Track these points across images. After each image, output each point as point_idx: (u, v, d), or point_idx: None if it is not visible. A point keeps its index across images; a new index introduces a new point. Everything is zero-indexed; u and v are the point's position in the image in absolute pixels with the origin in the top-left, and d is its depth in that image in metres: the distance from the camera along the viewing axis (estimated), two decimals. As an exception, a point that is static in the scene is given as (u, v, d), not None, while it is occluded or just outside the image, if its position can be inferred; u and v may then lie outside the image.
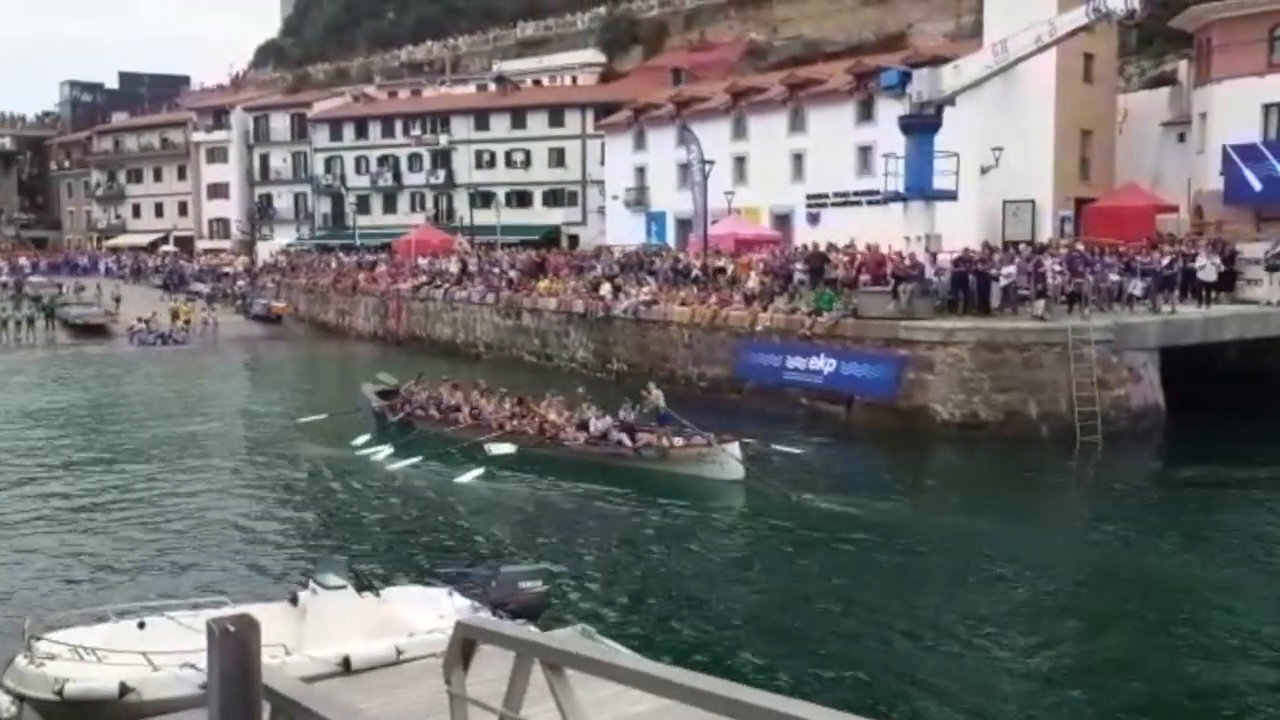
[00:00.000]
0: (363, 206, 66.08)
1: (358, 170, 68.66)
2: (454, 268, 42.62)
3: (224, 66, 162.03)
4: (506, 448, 19.79)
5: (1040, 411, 21.84)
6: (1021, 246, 27.90)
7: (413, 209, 66.46)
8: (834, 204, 42.31)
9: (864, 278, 26.07)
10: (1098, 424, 21.21)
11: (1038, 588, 13.42)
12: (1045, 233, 34.75)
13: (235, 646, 5.11)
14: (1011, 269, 24.59)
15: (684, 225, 44.90)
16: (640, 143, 52.02)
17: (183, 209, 78.56)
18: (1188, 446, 21.04)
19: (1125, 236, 29.00)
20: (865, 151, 40.44)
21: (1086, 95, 37.19)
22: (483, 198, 59.48)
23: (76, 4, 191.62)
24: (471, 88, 72.99)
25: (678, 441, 19.23)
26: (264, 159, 74.31)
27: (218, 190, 76.66)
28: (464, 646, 5.72)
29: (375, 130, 68.77)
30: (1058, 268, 24.44)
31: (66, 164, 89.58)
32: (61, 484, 19.40)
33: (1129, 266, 25.65)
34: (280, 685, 5.42)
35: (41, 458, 21.97)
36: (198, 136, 77.31)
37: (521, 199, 62.06)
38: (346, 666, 8.23)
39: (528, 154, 62.81)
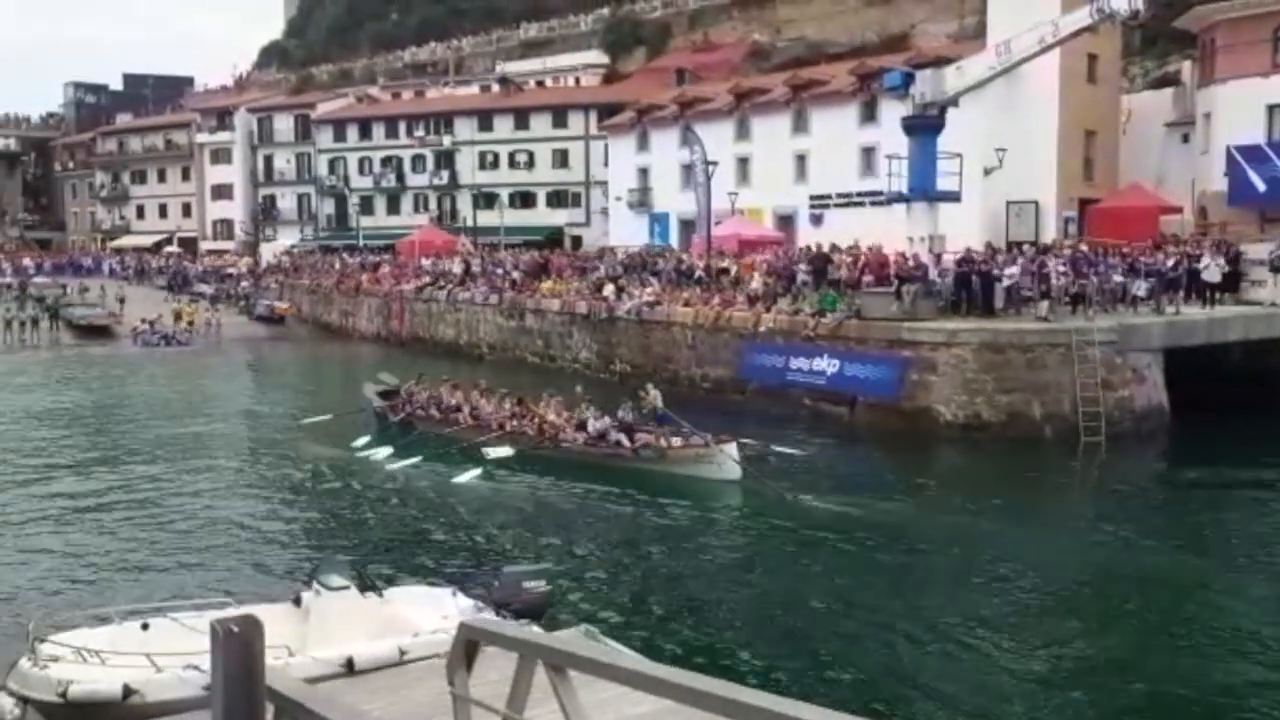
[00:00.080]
0: (366, 207, 66.16)
1: (361, 171, 68.76)
2: (457, 269, 42.64)
3: (225, 67, 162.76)
4: (505, 450, 19.81)
5: (1044, 413, 21.82)
6: (1025, 247, 27.88)
7: (416, 210, 66.53)
8: (837, 205, 42.31)
9: (867, 279, 26.07)
10: (1101, 425, 21.18)
11: (1041, 588, 13.39)
12: (1049, 233, 34.74)
13: (239, 647, 5.11)
14: (1015, 270, 24.58)
15: (687, 226, 44.88)
16: (643, 144, 52.04)
17: (187, 210, 78.68)
18: (1192, 448, 21.02)
19: (1129, 237, 28.96)
20: (868, 152, 40.43)
21: (1090, 96, 37.16)
22: (486, 199, 59.47)
23: (76, 4, 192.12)
24: (475, 89, 73.06)
25: (676, 442, 19.27)
26: (268, 160, 74.42)
27: (221, 191, 76.77)
28: (467, 648, 5.73)
29: (379, 131, 68.86)
30: (1061, 268, 24.41)
31: (71, 165, 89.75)
32: (65, 485, 19.42)
33: (1133, 267, 25.62)
34: (283, 686, 5.43)
35: (45, 458, 21.99)
36: (202, 138, 77.43)
37: (525, 200, 62.10)
38: (350, 667, 8.23)
39: (531, 155, 62.87)
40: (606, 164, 55.84)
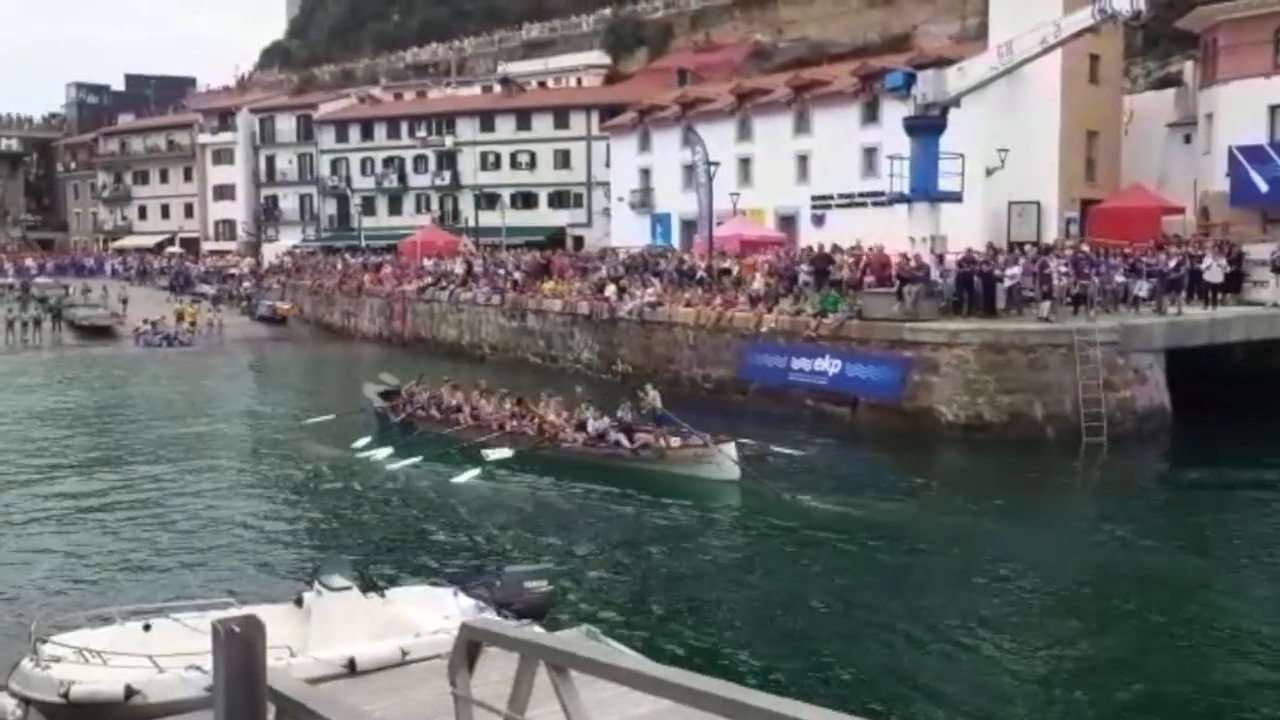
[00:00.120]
0: (368, 208, 66.23)
1: (363, 171, 68.81)
2: (459, 269, 42.66)
3: (226, 67, 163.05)
4: (504, 452, 19.82)
5: (1045, 413, 21.82)
6: (1027, 248, 27.88)
7: (418, 210, 66.58)
8: (839, 205, 42.31)
9: (869, 279, 26.06)
10: (1103, 426, 21.18)
11: (1042, 589, 13.38)
12: (1050, 234, 34.73)
13: (240, 648, 5.12)
14: (1016, 270, 24.58)
15: (689, 227, 44.87)
16: (645, 144, 52.04)
17: (189, 210, 78.74)
18: (1193, 448, 21.01)
19: (1131, 238, 28.97)
20: (870, 153, 40.42)
21: (1092, 96, 37.14)
22: (488, 199, 59.50)
23: (75, 5, 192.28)
24: (477, 89, 73.06)
25: (674, 442, 19.34)
26: (270, 160, 74.48)
27: (223, 192, 76.82)
28: (469, 648, 5.74)
29: (381, 132, 68.90)
30: (1063, 269, 24.41)
31: (73, 165, 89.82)
32: (67, 485, 19.44)
33: (1134, 268, 25.62)
34: (285, 687, 5.44)
35: (47, 458, 22.01)
36: (204, 138, 77.50)
37: (527, 200, 62.11)
38: (352, 668, 8.23)
39: (533, 155, 62.90)
40: (608, 164, 55.86)
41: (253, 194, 75.35)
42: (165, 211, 79.96)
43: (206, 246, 75.31)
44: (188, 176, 78.85)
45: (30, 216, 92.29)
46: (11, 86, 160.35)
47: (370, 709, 6.97)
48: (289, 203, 73.61)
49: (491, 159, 64.02)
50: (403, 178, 67.23)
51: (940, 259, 25.50)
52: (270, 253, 66.13)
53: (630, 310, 30.64)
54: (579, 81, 70.46)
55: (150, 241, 76.60)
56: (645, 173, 51.84)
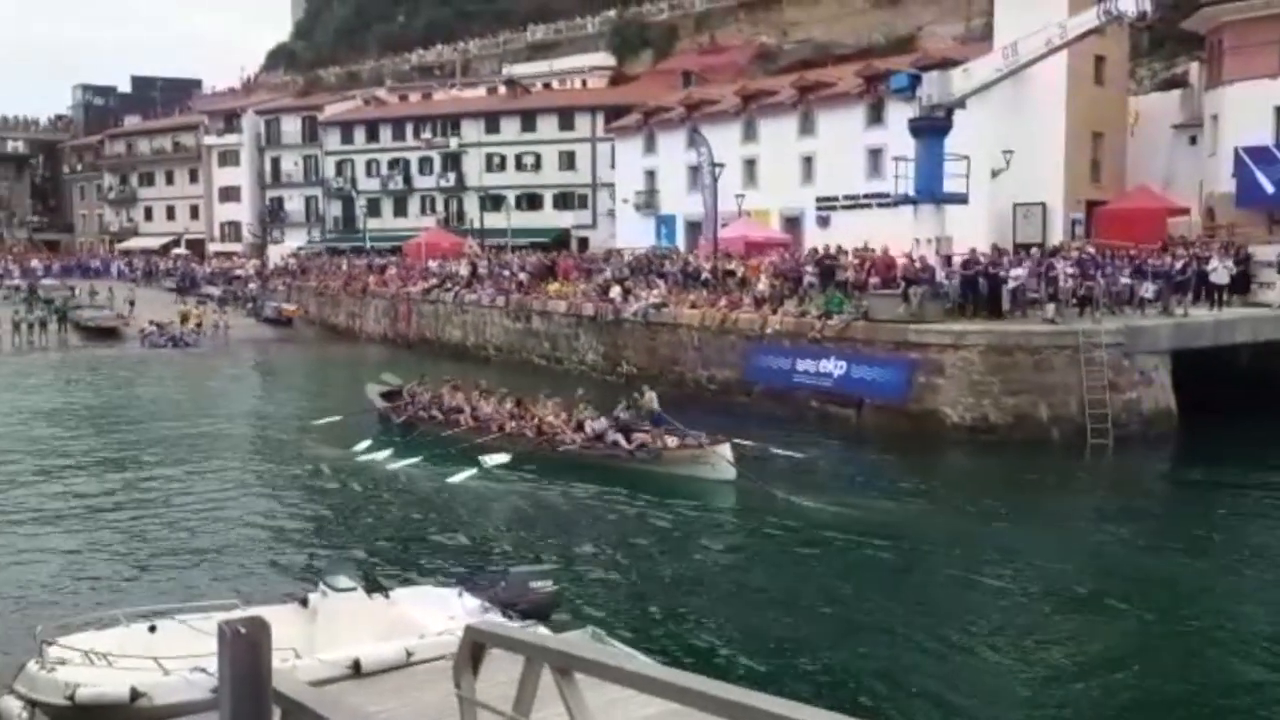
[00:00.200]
0: (373, 209, 66.29)
1: (368, 173, 68.91)
2: (464, 270, 42.69)
3: (226, 67, 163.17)
4: (502, 457, 19.82)
5: (1051, 415, 21.79)
6: (1032, 249, 27.84)
7: (423, 212, 66.65)
8: (844, 207, 42.25)
9: (874, 280, 26.02)
10: (1109, 427, 21.16)
11: (1046, 591, 13.35)
12: (1056, 235, 34.65)
13: (246, 649, 5.13)
14: (1021, 271, 24.55)
15: (694, 228, 44.89)
16: (650, 146, 52.02)
17: (194, 212, 78.84)
18: (1199, 450, 20.97)
19: (1136, 239, 28.91)
20: (875, 154, 40.36)
21: (1097, 97, 37.08)
22: (493, 201, 59.51)
23: (75, 5, 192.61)
24: (482, 91, 73.10)
25: (671, 442, 19.43)
26: (275, 162, 74.57)
27: (229, 193, 76.91)
28: (473, 650, 5.74)
29: (386, 133, 69.00)
30: (1069, 270, 24.36)
31: (79, 167, 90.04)
32: (72, 485, 19.46)
33: (1140, 269, 25.56)
34: (290, 689, 5.44)
35: (53, 459, 22.05)
36: (209, 140, 77.62)
37: (531, 202, 62.12)
38: (357, 669, 8.22)
39: (538, 157, 62.93)
40: (613, 166, 55.88)
41: (258, 196, 75.46)
42: (171, 213, 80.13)
43: (212, 248, 75.44)
44: (193, 178, 78.97)
45: (36, 218, 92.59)
46: (14, 87, 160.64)
47: (375, 710, 6.98)
48: (294, 204, 73.72)
49: (496, 160, 64.06)
50: (408, 179, 67.29)
51: (945, 260, 25.47)
52: (275, 254, 66.26)
53: (635, 312, 30.64)
54: (584, 83, 70.49)
55: (156, 243, 76.73)
56: (650, 174, 51.82)
